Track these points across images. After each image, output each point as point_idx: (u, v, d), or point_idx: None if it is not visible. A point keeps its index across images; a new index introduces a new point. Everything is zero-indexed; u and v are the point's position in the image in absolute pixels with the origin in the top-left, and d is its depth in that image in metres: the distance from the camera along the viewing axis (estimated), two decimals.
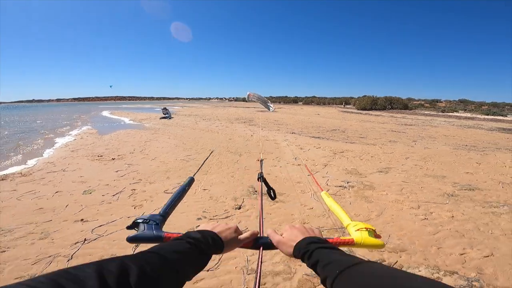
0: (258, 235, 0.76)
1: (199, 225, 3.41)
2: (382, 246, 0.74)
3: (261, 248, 0.74)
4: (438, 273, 2.46)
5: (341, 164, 6.25)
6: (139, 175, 5.38)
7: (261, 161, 1.81)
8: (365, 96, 46.78)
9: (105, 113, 31.73)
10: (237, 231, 0.75)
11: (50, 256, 2.63)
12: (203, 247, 0.61)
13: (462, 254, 2.74)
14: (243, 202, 3.93)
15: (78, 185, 4.78)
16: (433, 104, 52.39)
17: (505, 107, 43.07)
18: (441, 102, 56.77)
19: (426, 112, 34.80)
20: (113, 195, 4.25)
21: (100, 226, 3.23)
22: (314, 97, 78.80)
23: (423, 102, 55.87)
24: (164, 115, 21.43)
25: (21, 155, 7.97)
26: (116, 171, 5.68)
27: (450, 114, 32.40)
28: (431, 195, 4.31)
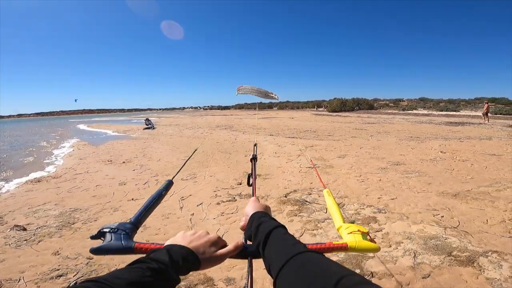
0: (244, 245, 0.65)
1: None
2: (377, 250, 0.66)
3: (250, 258, 0.68)
4: (363, 206, 4.23)
5: (310, 154, 8.09)
6: (154, 172, 6.79)
7: (254, 145, 1.72)
8: (335, 98, 50.22)
9: (82, 127, 31.83)
10: (219, 242, 0.61)
11: None
12: (170, 272, 0.50)
13: (379, 198, 4.54)
14: (242, 181, 5.57)
15: (110, 180, 6.13)
16: (396, 103, 57.25)
17: (461, 103, 48.30)
18: (404, 101, 62.03)
19: (389, 111, 38.48)
20: (144, 184, 5.68)
21: None
22: (288, 102, 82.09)
23: (388, 102, 60.79)
24: (147, 126, 22.36)
25: (31, 165, 8.95)
26: (133, 170, 7.04)
27: (410, 112, 36.17)
28: (370, 169, 6.22)
